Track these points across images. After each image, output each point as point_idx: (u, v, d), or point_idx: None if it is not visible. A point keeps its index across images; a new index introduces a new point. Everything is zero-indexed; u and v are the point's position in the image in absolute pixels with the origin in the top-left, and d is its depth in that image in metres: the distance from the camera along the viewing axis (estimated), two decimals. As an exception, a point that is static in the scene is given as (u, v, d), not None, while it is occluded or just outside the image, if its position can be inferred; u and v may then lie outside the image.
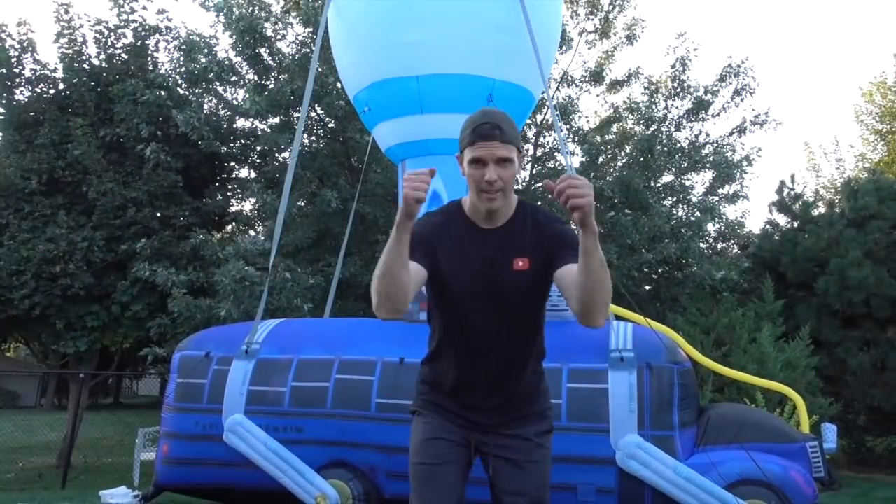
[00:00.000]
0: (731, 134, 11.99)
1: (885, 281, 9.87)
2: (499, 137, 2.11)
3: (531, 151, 12.16)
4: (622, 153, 12.26)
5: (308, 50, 10.38)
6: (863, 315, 10.18)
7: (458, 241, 2.23)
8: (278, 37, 10.75)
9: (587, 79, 12.34)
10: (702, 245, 11.51)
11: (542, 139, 12.21)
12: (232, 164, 12.20)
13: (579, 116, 12.05)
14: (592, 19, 12.32)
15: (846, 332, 10.35)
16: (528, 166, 12.27)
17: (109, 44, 11.17)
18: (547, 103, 9.97)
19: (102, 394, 27.73)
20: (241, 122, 11.62)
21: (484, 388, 2.29)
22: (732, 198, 11.94)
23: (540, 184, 11.92)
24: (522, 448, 2.28)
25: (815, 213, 11.62)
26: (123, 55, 11.20)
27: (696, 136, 11.95)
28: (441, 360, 2.33)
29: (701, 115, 11.79)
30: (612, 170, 11.93)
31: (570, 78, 12.30)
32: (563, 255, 2.12)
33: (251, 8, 10.53)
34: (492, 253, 2.21)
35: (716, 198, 11.91)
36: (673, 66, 11.80)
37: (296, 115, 10.68)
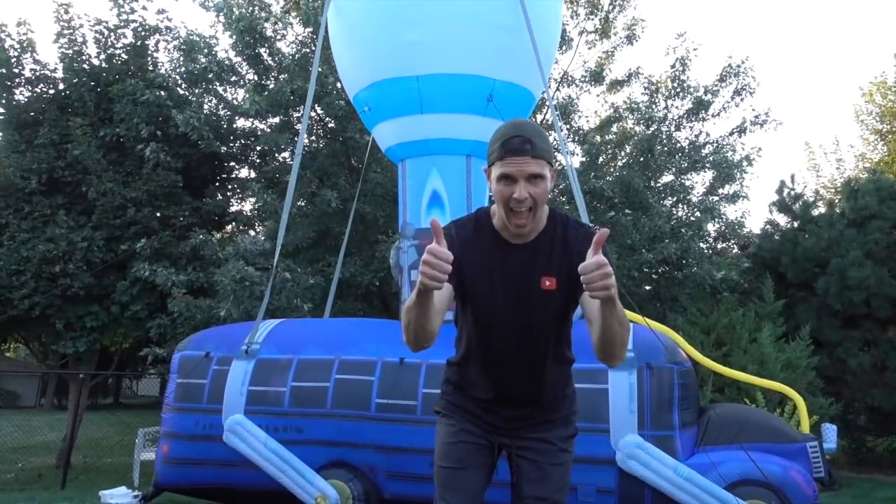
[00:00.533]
0: (731, 134, 11.99)
1: (886, 281, 9.87)
2: (530, 152, 1.97)
3: (531, 151, 12.14)
4: (622, 153, 12.26)
5: (308, 50, 10.37)
6: (863, 315, 10.18)
7: (486, 257, 2.14)
8: (278, 37, 10.74)
9: (587, 79, 12.34)
10: (702, 245, 11.50)
11: (542, 139, 12.20)
12: (232, 164, 12.19)
13: (579, 116, 12.05)
14: (592, 19, 12.31)
15: (846, 333, 10.35)
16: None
17: (109, 44, 11.16)
18: (547, 103, 9.97)
19: (102, 394, 27.72)
20: (240, 122, 11.62)
21: (509, 397, 2.28)
22: (732, 198, 11.93)
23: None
24: (546, 451, 2.27)
25: (816, 213, 11.61)
26: (123, 55, 11.19)
27: (696, 136, 11.95)
28: (467, 367, 2.32)
29: (701, 115, 11.78)
30: (612, 170, 11.92)
31: (570, 78, 12.30)
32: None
33: (251, 8, 10.52)
34: (519, 271, 2.13)
35: (716, 198, 11.90)
36: (673, 66, 11.80)
37: (296, 114, 10.67)
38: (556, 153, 11.96)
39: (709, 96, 11.68)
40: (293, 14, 11.02)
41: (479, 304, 2.17)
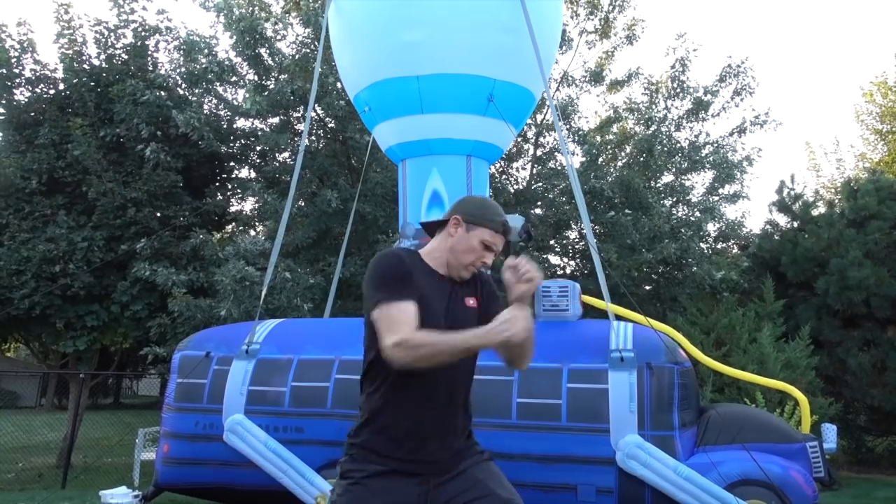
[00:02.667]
0: (731, 134, 12.00)
1: (886, 281, 9.87)
2: (506, 236, 2.41)
3: (531, 151, 12.17)
4: (622, 153, 12.27)
5: (308, 50, 10.38)
6: (863, 315, 10.18)
7: (427, 280, 2.33)
8: (278, 37, 10.75)
9: (587, 79, 12.35)
10: (702, 245, 11.51)
11: (542, 139, 12.22)
12: (232, 164, 12.20)
13: (579, 116, 12.06)
14: (592, 19, 12.32)
15: (846, 332, 10.35)
16: (529, 166, 12.28)
17: (109, 44, 11.16)
18: (547, 103, 9.97)
19: (102, 394, 27.72)
20: (241, 122, 11.63)
21: (444, 431, 2.29)
22: (732, 198, 11.94)
23: (540, 184, 11.93)
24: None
25: (815, 213, 11.61)
26: (123, 55, 11.20)
27: (696, 137, 11.96)
28: (397, 410, 2.24)
29: (701, 116, 11.79)
30: (612, 170, 11.93)
31: (570, 78, 12.31)
32: (492, 305, 2.40)
33: (251, 8, 10.54)
34: (450, 292, 2.37)
35: (716, 198, 11.91)
36: (673, 67, 11.80)
37: (295, 115, 10.68)
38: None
39: (708, 96, 11.69)
40: (293, 14, 11.03)
41: (425, 323, 2.22)
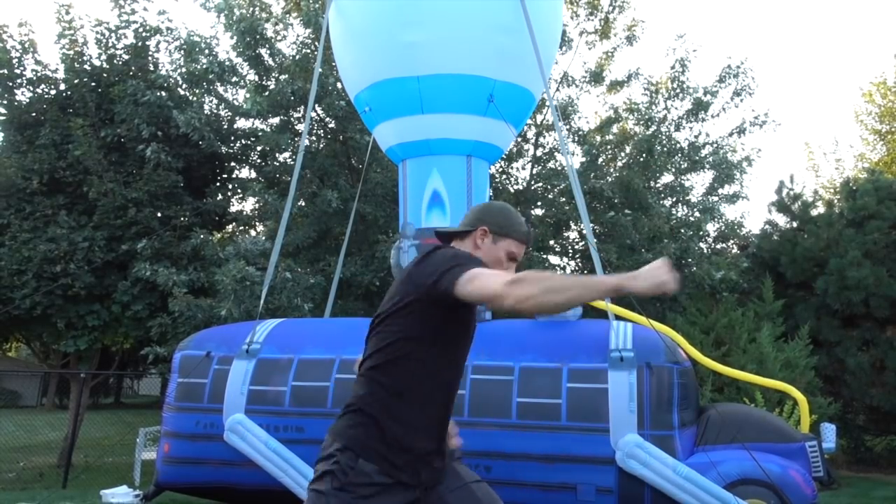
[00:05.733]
0: (730, 135, 12.02)
1: (885, 281, 9.88)
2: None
3: (531, 151, 12.18)
4: (622, 153, 12.28)
5: (308, 51, 10.40)
6: (862, 315, 10.19)
7: None
8: (279, 37, 10.77)
9: (587, 79, 12.36)
10: (701, 245, 11.53)
11: (542, 139, 12.24)
12: (232, 164, 12.22)
13: (579, 117, 12.07)
14: (592, 20, 12.33)
15: (845, 332, 10.36)
16: (529, 166, 12.29)
17: (110, 44, 11.18)
18: (547, 103, 9.99)
19: (103, 393, 27.76)
20: (241, 123, 11.64)
21: (443, 435, 2.29)
22: (732, 198, 11.96)
23: (540, 184, 11.95)
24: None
25: (815, 213, 11.63)
26: (124, 56, 11.21)
27: (696, 137, 11.98)
28: (410, 414, 2.13)
29: (700, 116, 11.81)
30: (612, 170, 11.94)
31: (570, 78, 12.32)
32: None
33: (252, 9, 10.55)
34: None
35: (715, 198, 11.93)
36: (672, 67, 11.82)
37: (296, 115, 10.70)
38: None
39: (708, 97, 11.71)
40: (294, 15, 11.05)
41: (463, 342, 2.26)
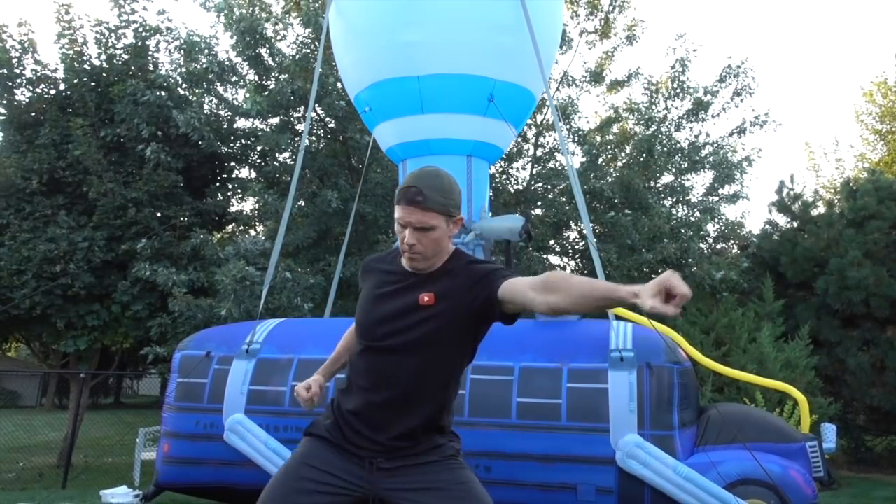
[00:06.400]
0: (730, 134, 12.02)
1: (885, 281, 9.88)
2: (420, 204, 2.10)
3: (531, 151, 12.18)
4: (622, 153, 12.28)
5: (308, 50, 10.39)
6: (862, 315, 10.19)
7: (379, 277, 2.32)
8: (279, 37, 10.77)
9: (587, 79, 12.36)
10: (701, 245, 11.52)
11: (542, 139, 12.24)
12: (232, 164, 12.21)
13: (579, 117, 12.07)
14: (592, 20, 12.33)
15: (845, 332, 10.36)
16: (529, 166, 12.28)
17: (110, 44, 11.18)
18: (547, 103, 9.99)
19: (103, 393, 27.75)
20: (241, 123, 11.64)
21: (378, 424, 2.33)
22: (732, 198, 11.96)
23: (540, 184, 11.95)
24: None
25: (815, 213, 11.63)
26: (124, 55, 11.21)
27: (696, 137, 11.97)
28: (350, 391, 2.39)
29: (701, 116, 11.81)
30: (612, 170, 11.94)
31: (570, 78, 12.32)
32: (495, 284, 2.07)
33: (252, 8, 10.54)
34: (404, 287, 2.24)
35: (716, 198, 11.93)
36: (673, 67, 11.82)
37: (296, 115, 10.69)
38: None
39: (708, 97, 11.71)
40: (294, 15, 11.04)
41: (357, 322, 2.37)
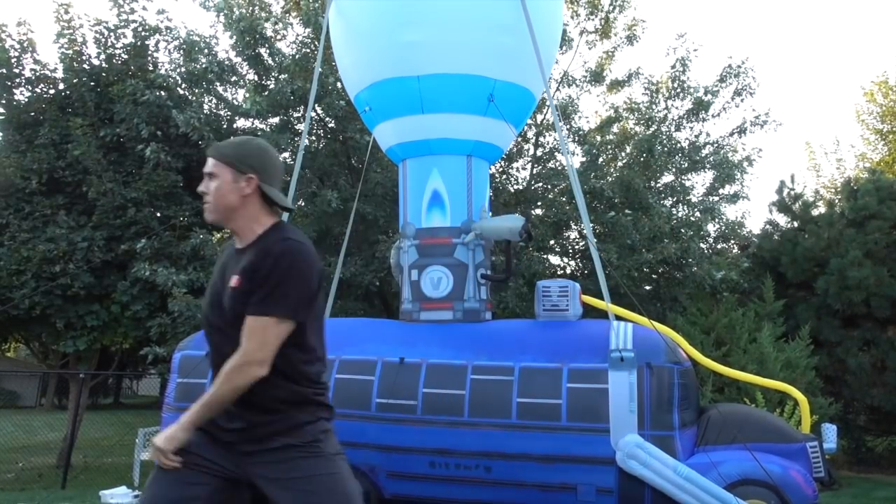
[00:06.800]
0: (731, 134, 12.00)
1: (885, 281, 9.87)
2: (211, 153, 2.32)
3: (531, 151, 12.16)
4: (622, 153, 12.26)
5: (308, 50, 10.38)
6: (863, 315, 10.18)
7: (222, 259, 2.44)
8: (278, 37, 10.74)
9: (587, 79, 12.34)
10: (702, 245, 11.50)
11: (542, 139, 12.22)
12: (232, 164, 12.18)
13: (579, 116, 12.05)
14: (593, 19, 12.31)
15: (846, 332, 10.35)
16: (529, 166, 12.27)
17: (109, 44, 11.17)
18: (547, 103, 9.97)
19: (102, 394, 27.74)
20: (241, 123, 11.61)
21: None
22: (732, 198, 11.94)
23: (540, 184, 11.93)
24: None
25: (815, 213, 11.62)
26: (123, 55, 11.20)
27: (697, 137, 11.96)
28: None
29: (701, 116, 11.79)
30: (612, 170, 11.93)
31: (570, 78, 12.30)
32: (249, 308, 2.18)
33: (251, 8, 10.53)
34: (231, 267, 2.30)
35: (716, 198, 11.91)
36: (673, 67, 11.80)
37: (295, 115, 10.68)
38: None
39: (709, 97, 11.69)
40: (293, 14, 11.03)
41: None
